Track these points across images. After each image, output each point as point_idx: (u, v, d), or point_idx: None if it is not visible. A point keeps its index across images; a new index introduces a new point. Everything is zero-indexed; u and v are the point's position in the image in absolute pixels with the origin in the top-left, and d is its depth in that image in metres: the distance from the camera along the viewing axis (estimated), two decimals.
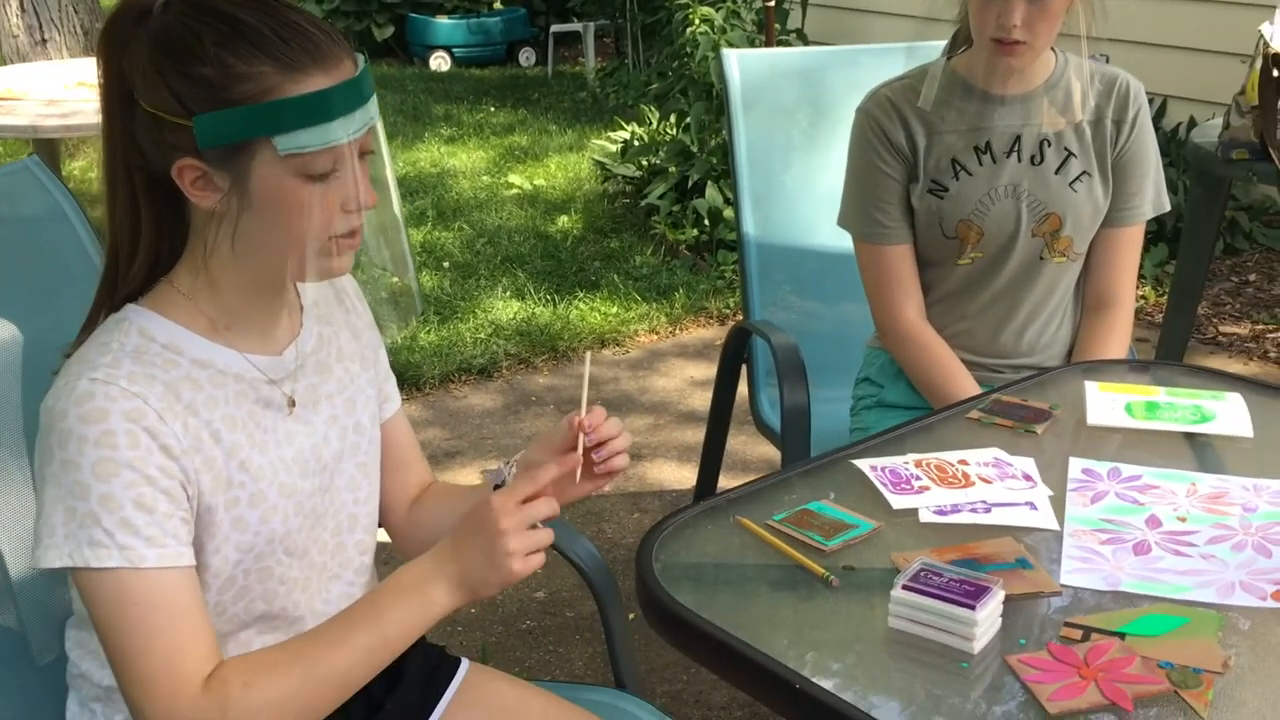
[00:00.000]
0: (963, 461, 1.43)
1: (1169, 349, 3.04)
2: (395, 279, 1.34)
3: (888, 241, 1.95)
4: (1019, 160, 1.90)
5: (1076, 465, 1.44)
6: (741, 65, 2.48)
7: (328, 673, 1.10)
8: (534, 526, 1.11)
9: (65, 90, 3.99)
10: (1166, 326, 3.13)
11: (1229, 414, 1.56)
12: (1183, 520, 1.33)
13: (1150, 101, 1.99)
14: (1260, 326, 3.88)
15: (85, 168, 5.46)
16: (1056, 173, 1.91)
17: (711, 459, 2.57)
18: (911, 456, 1.45)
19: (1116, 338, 1.96)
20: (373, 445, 1.30)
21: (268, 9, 1.08)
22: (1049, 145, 1.91)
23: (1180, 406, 1.58)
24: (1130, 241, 1.98)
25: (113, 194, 1.13)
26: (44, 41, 6.43)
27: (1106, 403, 1.60)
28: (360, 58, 1.11)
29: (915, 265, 1.97)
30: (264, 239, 1.11)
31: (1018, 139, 1.91)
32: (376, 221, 1.17)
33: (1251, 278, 4.24)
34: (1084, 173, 1.91)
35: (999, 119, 1.91)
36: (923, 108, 1.90)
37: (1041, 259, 1.94)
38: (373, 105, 1.11)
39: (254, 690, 1.07)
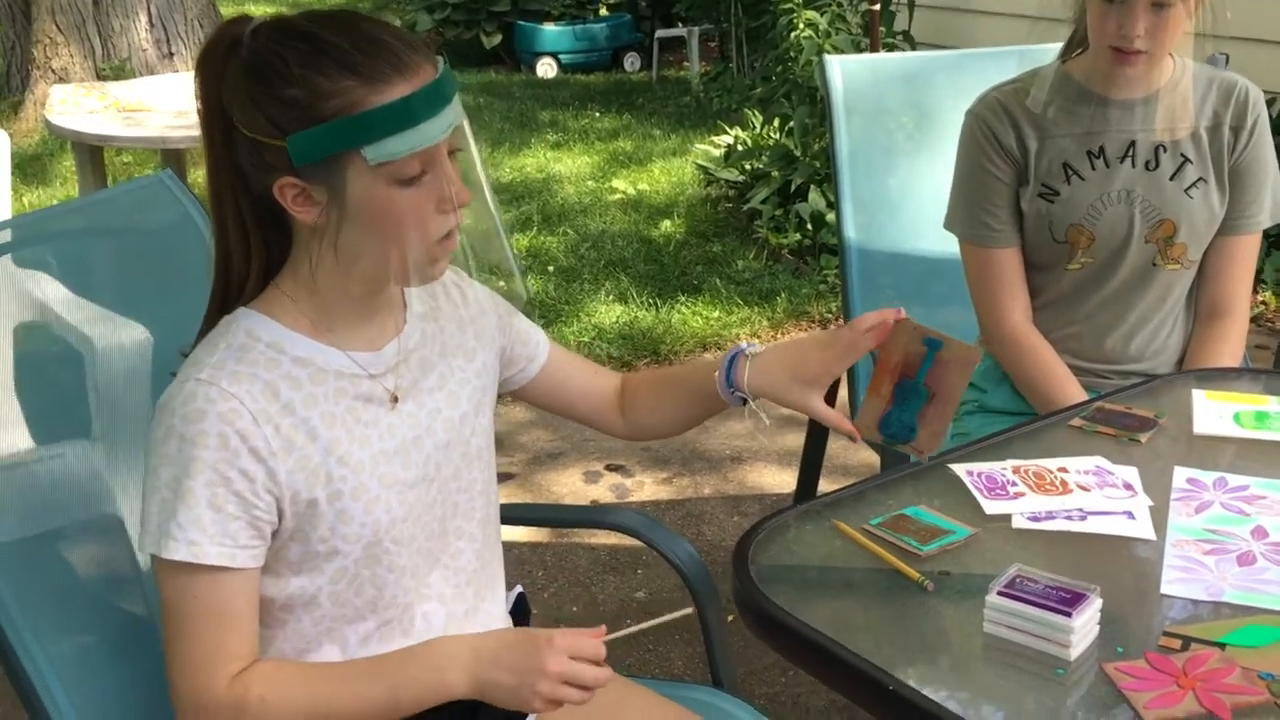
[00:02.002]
0: (1062, 469, 1.43)
1: None
2: (501, 282, 1.39)
3: (995, 244, 1.94)
4: (1133, 165, 1.88)
5: (1181, 475, 1.43)
6: (844, 70, 2.49)
7: (333, 712, 1.18)
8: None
9: (192, 102, 4.17)
10: None
11: None
12: None
13: (1272, 101, 1.95)
14: None
15: None
16: (1172, 179, 1.88)
17: (811, 463, 2.57)
18: (1010, 463, 1.44)
19: (1230, 347, 1.92)
20: (479, 435, 1.35)
21: (348, 25, 1.13)
22: (1164, 151, 1.88)
23: None
24: (1246, 250, 1.94)
25: (221, 215, 1.20)
26: (171, 55, 6.71)
27: (1214, 412, 1.57)
28: (440, 60, 1.15)
29: (1022, 269, 1.95)
30: (365, 247, 1.16)
31: (1133, 144, 1.88)
32: (473, 224, 1.22)
33: None
34: (1200, 179, 1.88)
35: (1113, 123, 1.89)
36: (1032, 109, 1.89)
37: (1154, 265, 1.91)
38: (456, 105, 1.15)
39: (268, 705, 1.16)
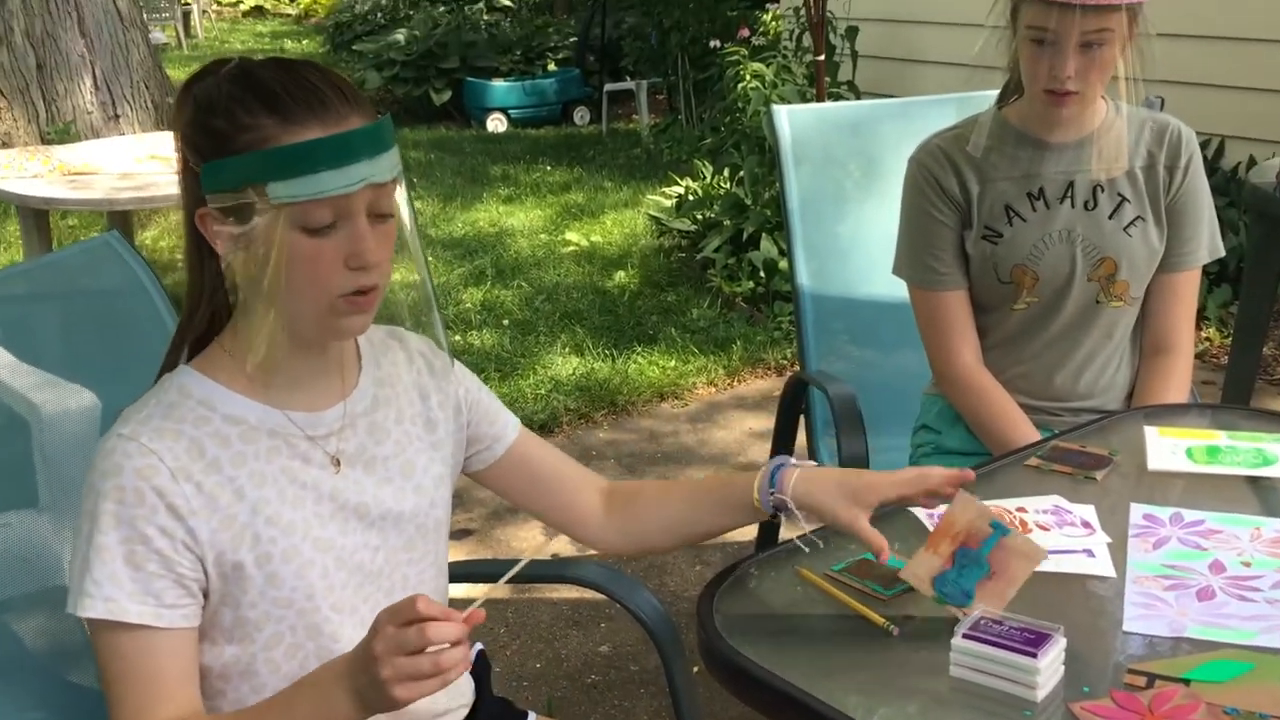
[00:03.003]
0: (1021, 509, 1.43)
1: (1235, 391, 3.00)
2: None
3: (943, 287, 1.96)
4: (1072, 206, 1.92)
5: (1138, 511, 1.44)
6: (792, 120, 2.52)
7: None
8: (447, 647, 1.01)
9: (138, 164, 4.14)
10: (1231, 368, 3.09)
11: None
12: (1247, 565, 1.32)
13: (1208, 142, 2.00)
14: None
15: (156, 237, 5.63)
16: (1110, 217, 1.91)
17: None
18: None
19: (1176, 382, 1.95)
20: (437, 508, 1.32)
21: (290, 71, 1.14)
22: (1102, 190, 1.92)
23: (1242, 450, 1.57)
24: (1187, 286, 1.98)
25: (185, 251, 1.20)
26: (117, 117, 6.67)
27: (1167, 448, 1.59)
28: (381, 117, 1.15)
29: (970, 311, 1.98)
30: (275, 291, 1.13)
31: (1071, 185, 1.92)
32: (402, 284, 1.21)
33: None
34: (1138, 217, 1.92)
35: (1051, 165, 1.92)
36: (973, 154, 1.92)
37: (1098, 303, 1.94)
38: (381, 163, 1.12)
39: None
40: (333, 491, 1.22)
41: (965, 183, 1.93)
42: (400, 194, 1.17)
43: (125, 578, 1.11)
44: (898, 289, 2.08)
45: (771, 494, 1.31)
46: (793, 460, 1.33)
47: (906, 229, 2.01)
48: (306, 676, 1.13)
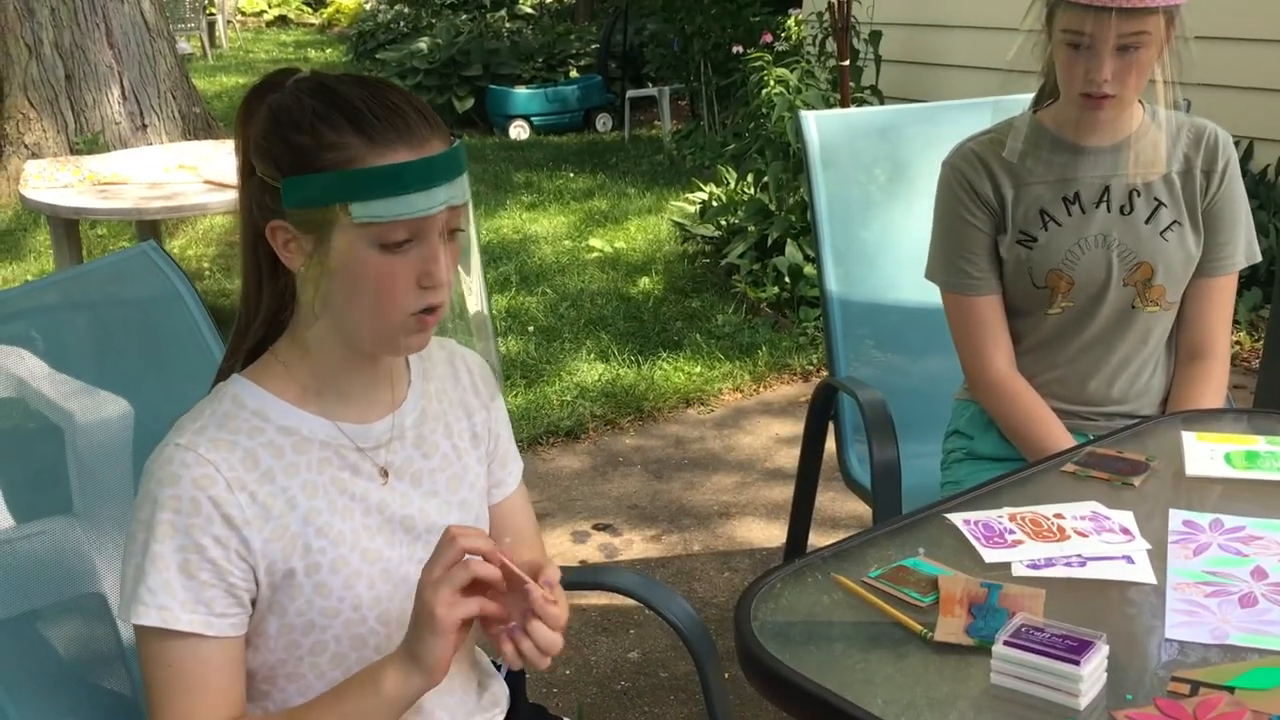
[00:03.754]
0: (1059, 515, 1.42)
1: (1268, 395, 2.96)
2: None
3: (976, 292, 1.95)
4: (1108, 210, 1.90)
5: (1177, 517, 1.42)
6: (820, 126, 2.52)
7: None
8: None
9: (166, 173, 4.17)
10: (1264, 372, 3.05)
11: None
12: None
13: (1237, 144, 1.98)
14: None
15: (184, 245, 5.67)
16: (1147, 222, 1.90)
17: (801, 516, 2.56)
18: (1006, 510, 1.44)
19: (1212, 388, 1.93)
20: (480, 522, 1.33)
21: (373, 90, 1.14)
22: (1138, 195, 1.90)
23: None
24: (1223, 291, 1.96)
25: (243, 260, 1.21)
26: (145, 127, 6.73)
27: (1205, 453, 1.58)
28: (456, 141, 1.16)
29: (1004, 316, 1.96)
30: (344, 306, 1.15)
31: (1106, 189, 1.90)
32: (459, 301, 1.21)
33: None
34: (1175, 222, 1.90)
35: (1087, 170, 1.91)
36: (1008, 159, 1.91)
37: (1134, 308, 1.92)
38: (457, 186, 1.14)
39: None
40: (380, 504, 1.22)
41: (999, 186, 1.92)
42: (469, 214, 1.18)
43: (179, 586, 1.12)
44: (925, 294, 2.07)
45: None
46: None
47: (940, 233, 2.00)
48: (354, 675, 1.16)
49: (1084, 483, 1.53)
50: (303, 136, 1.11)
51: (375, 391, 1.25)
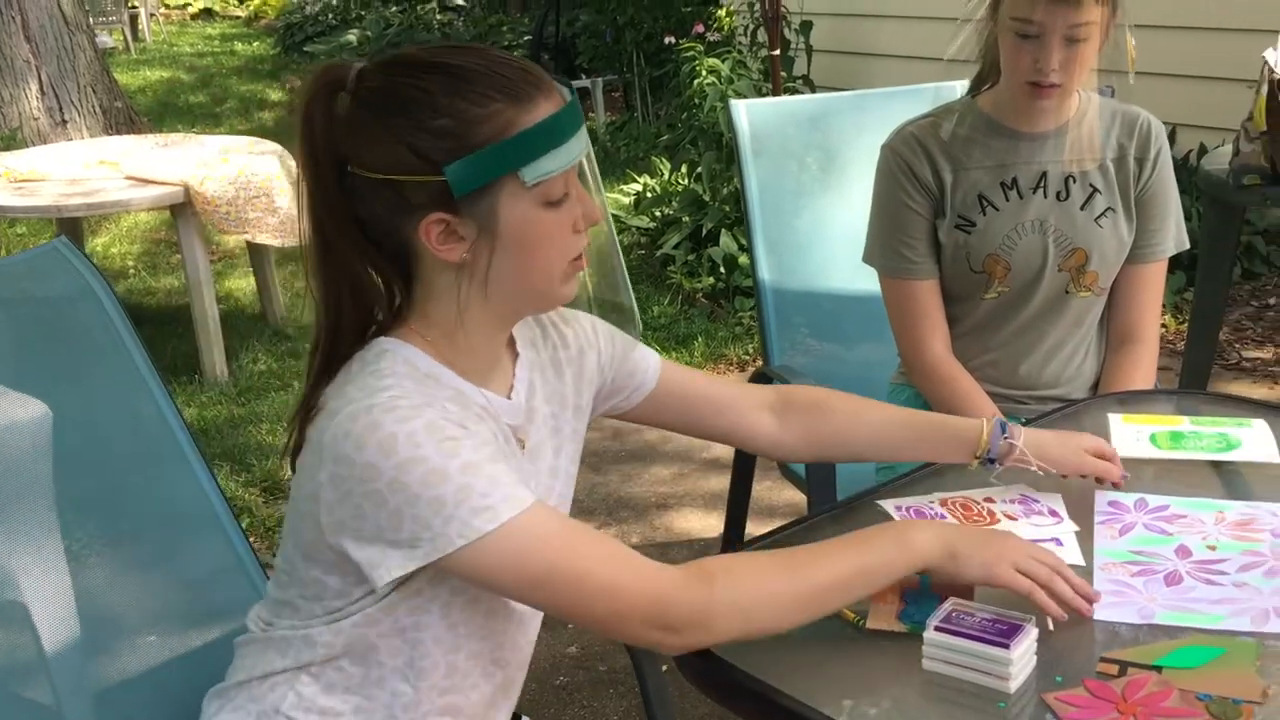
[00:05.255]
0: (989, 499, 1.43)
1: (1192, 377, 3.02)
2: (613, 315, 1.35)
3: (914, 276, 1.96)
4: (1045, 196, 1.92)
5: (1102, 498, 1.44)
6: (750, 115, 2.51)
7: (808, 583, 1.12)
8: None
9: (86, 169, 4.07)
10: (1189, 354, 3.12)
11: (1255, 441, 1.55)
12: (1212, 549, 1.32)
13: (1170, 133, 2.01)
14: None
15: (108, 243, 5.54)
16: (1082, 208, 1.92)
17: (738, 506, 2.56)
18: (937, 495, 1.45)
19: (1142, 373, 1.96)
20: (568, 486, 1.31)
21: (475, 52, 1.10)
22: (1074, 181, 1.92)
23: (1205, 435, 1.57)
24: (1154, 278, 1.99)
25: (328, 267, 1.13)
26: (65, 122, 6.56)
27: (1131, 434, 1.60)
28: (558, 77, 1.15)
29: (940, 300, 1.98)
30: (513, 275, 1.12)
31: (1044, 175, 1.92)
32: (594, 244, 1.20)
33: (1271, 301, 4.23)
34: (1109, 209, 1.93)
35: (1025, 156, 1.92)
36: (946, 140, 1.92)
37: (1067, 293, 1.94)
38: (583, 124, 1.14)
39: (738, 576, 1.11)
40: (521, 473, 1.17)
41: (939, 171, 1.93)
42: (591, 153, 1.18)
43: (501, 472, 1.06)
44: (859, 281, 2.08)
45: (1005, 439, 1.40)
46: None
47: (879, 216, 2.00)
48: (868, 530, 1.18)
49: (1013, 467, 1.54)
50: (443, 119, 1.06)
51: (502, 362, 1.22)
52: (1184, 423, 1.62)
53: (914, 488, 1.49)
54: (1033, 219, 1.92)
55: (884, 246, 1.98)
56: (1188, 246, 2.00)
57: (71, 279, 1.52)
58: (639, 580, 1.08)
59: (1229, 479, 1.49)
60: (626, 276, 1.30)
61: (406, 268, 1.15)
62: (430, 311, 1.16)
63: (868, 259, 2.03)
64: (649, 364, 1.39)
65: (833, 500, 1.98)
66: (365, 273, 1.14)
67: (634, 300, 1.35)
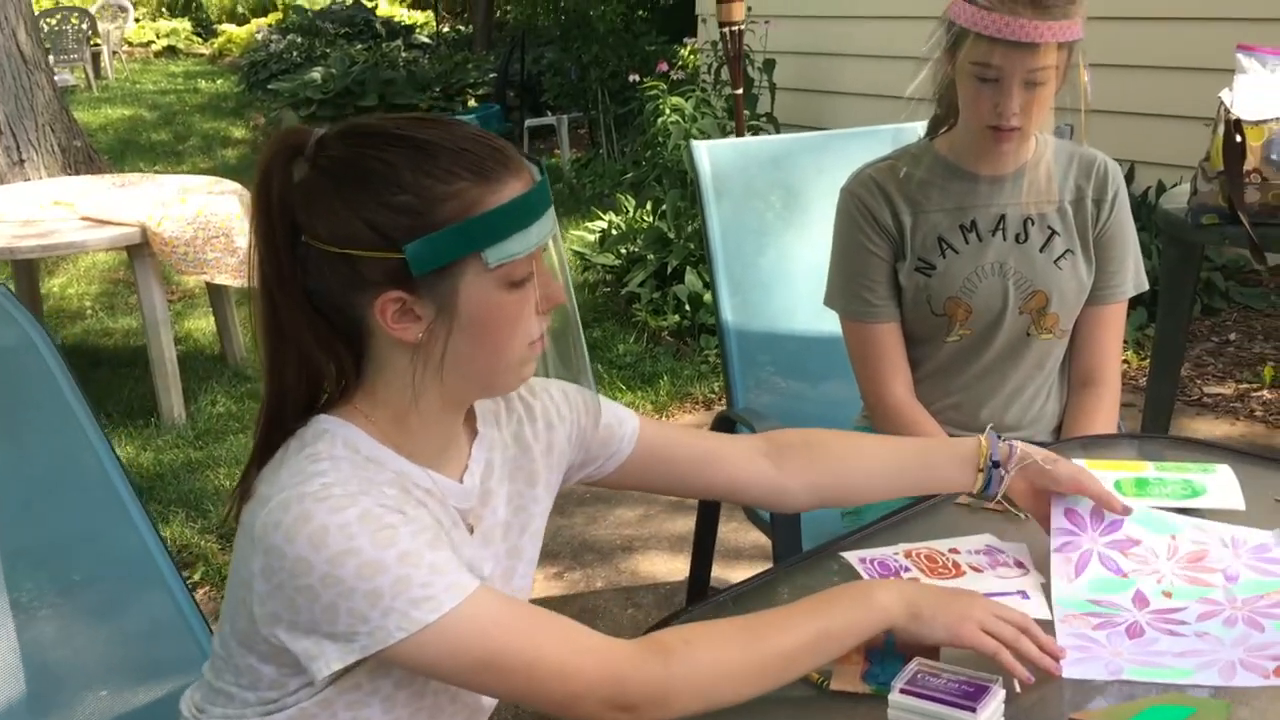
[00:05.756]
0: (954, 550, 1.41)
1: (1155, 413, 3.02)
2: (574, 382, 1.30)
3: (876, 320, 1.94)
4: (1004, 239, 1.91)
5: (1059, 505, 1.40)
6: (712, 155, 2.50)
7: (769, 651, 1.09)
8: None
9: (41, 210, 4.00)
10: (1151, 390, 3.12)
11: (1219, 487, 1.53)
12: (1168, 595, 1.30)
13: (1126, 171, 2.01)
14: (1244, 385, 3.89)
15: (65, 284, 5.46)
16: (1041, 251, 1.91)
17: (704, 550, 2.53)
18: (902, 546, 1.42)
19: (1104, 414, 1.95)
20: (529, 566, 1.26)
21: (442, 126, 1.07)
22: (1033, 224, 1.92)
23: (1170, 481, 1.56)
24: (1114, 319, 1.98)
25: (274, 336, 1.09)
26: (22, 162, 6.48)
27: None
28: (530, 156, 1.11)
29: (902, 343, 1.96)
30: (470, 357, 1.08)
31: (1002, 218, 1.91)
32: (558, 322, 1.16)
33: (1232, 337, 4.26)
34: (1068, 250, 1.92)
35: (983, 198, 1.92)
36: (906, 183, 1.91)
37: (1028, 335, 1.94)
38: (550, 205, 1.10)
39: (696, 648, 1.06)
40: (470, 560, 1.14)
41: (898, 214, 1.92)
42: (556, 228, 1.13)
43: (443, 559, 1.02)
44: (822, 321, 2.06)
45: (1005, 441, 1.39)
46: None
47: (839, 260, 1.99)
48: (827, 591, 1.16)
49: (977, 515, 1.52)
50: (405, 195, 1.02)
51: (457, 445, 1.17)
52: (1148, 468, 1.60)
53: (878, 538, 1.47)
54: (992, 261, 1.91)
55: (845, 290, 1.97)
56: (1147, 288, 2.00)
57: (10, 329, 1.47)
58: (592, 660, 1.04)
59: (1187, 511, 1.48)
60: (587, 359, 1.25)
61: (358, 344, 1.11)
62: (380, 390, 1.11)
63: (829, 302, 2.02)
64: (625, 428, 1.33)
65: (798, 545, 1.95)
66: (313, 345, 1.09)
67: (594, 384, 1.30)
